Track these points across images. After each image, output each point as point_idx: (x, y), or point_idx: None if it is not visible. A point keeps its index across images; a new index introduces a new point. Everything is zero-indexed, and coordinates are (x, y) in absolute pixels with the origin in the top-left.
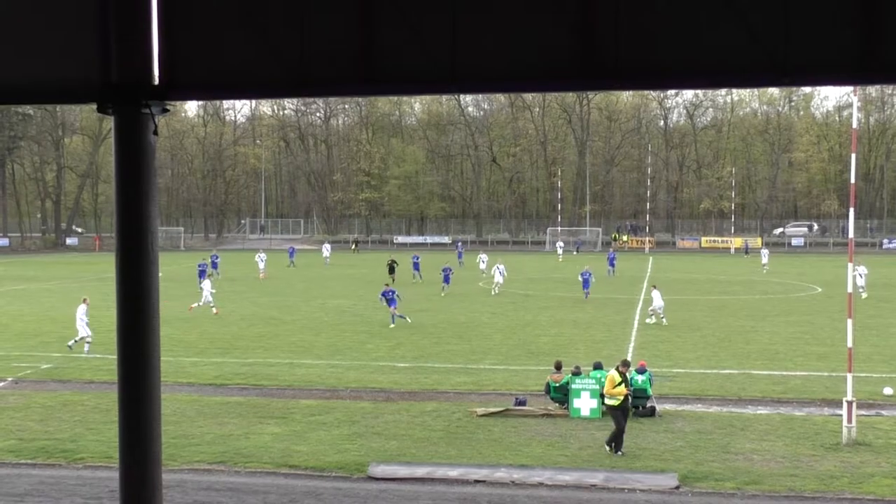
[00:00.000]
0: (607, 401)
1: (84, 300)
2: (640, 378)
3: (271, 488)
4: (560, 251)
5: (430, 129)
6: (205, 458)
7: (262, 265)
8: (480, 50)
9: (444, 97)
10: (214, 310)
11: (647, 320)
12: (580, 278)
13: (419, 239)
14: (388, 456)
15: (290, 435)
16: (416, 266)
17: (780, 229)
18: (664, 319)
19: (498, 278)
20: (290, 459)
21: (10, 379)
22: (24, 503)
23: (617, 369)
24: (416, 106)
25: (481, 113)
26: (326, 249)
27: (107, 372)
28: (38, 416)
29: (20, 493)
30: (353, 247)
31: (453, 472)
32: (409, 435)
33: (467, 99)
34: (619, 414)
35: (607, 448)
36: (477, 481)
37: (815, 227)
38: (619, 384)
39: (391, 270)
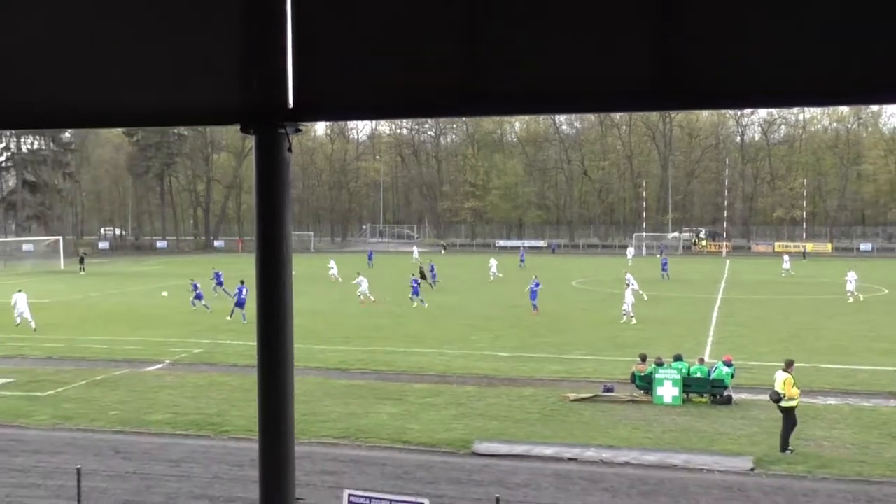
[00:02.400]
0: (787, 402)
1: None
2: (725, 370)
3: (388, 461)
4: (630, 256)
5: (528, 145)
6: (331, 434)
7: (333, 272)
8: (571, 72)
9: (541, 117)
10: (372, 298)
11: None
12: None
13: (517, 243)
14: (490, 435)
15: (404, 414)
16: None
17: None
18: (633, 319)
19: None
20: (404, 436)
21: (167, 361)
22: (179, 468)
23: (785, 370)
24: (517, 125)
25: (574, 130)
26: (416, 252)
27: (248, 357)
28: (190, 393)
29: (176, 460)
30: (442, 251)
31: (548, 451)
32: (509, 416)
33: (561, 118)
34: (794, 414)
35: (787, 452)
36: (569, 459)
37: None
38: (794, 385)
39: (423, 276)
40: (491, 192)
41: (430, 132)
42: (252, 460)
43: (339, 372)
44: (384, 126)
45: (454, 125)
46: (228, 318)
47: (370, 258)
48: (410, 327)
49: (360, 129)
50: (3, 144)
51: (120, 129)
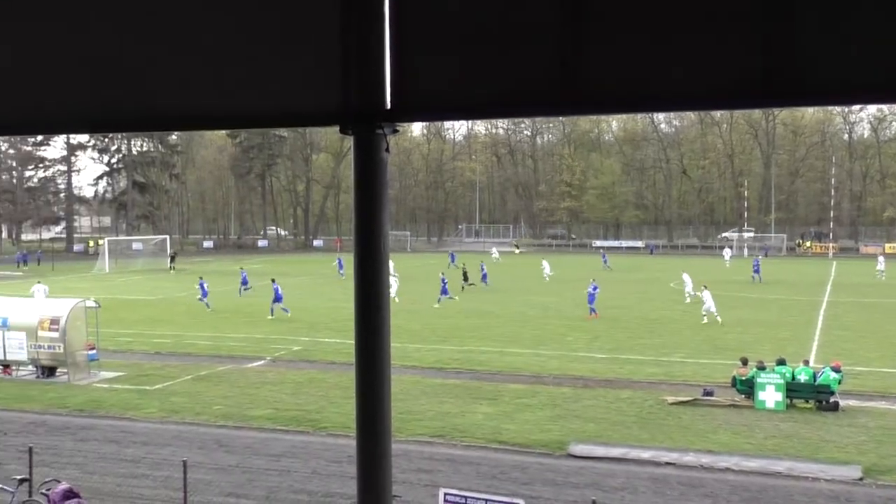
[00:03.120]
0: None
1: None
2: (832, 375)
3: (483, 460)
4: (728, 257)
5: (625, 144)
6: (426, 432)
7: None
8: (671, 71)
9: (639, 116)
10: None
11: (703, 321)
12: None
13: (615, 243)
14: (586, 436)
15: (499, 415)
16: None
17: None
18: (718, 318)
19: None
20: (500, 436)
21: (268, 358)
22: (279, 463)
23: None
24: (614, 124)
25: (672, 129)
26: (495, 252)
27: (345, 355)
28: (290, 390)
29: (276, 454)
30: (516, 250)
31: (645, 454)
32: (606, 418)
33: (660, 117)
34: None
35: None
36: (667, 463)
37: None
38: None
39: (465, 276)
40: (587, 192)
41: (526, 132)
42: (349, 457)
43: (435, 371)
44: (480, 126)
45: (550, 125)
46: (271, 316)
47: (452, 259)
48: (506, 327)
49: (457, 129)
50: (116, 147)
51: (224, 131)
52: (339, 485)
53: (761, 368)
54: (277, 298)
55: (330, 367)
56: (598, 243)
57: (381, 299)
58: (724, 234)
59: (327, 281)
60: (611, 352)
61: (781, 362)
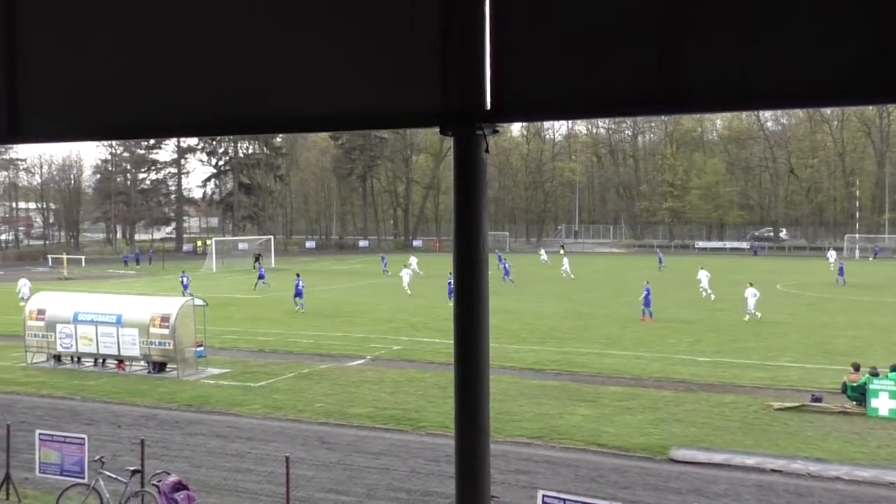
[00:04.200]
0: None
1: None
2: None
3: (582, 463)
4: (832, 259)
5: (730, 142)
6: (524, 433)
7: (406, 279)
8: (777, 67)
9: (744, 114)
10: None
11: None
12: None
13: (718, 244)
14: (688, 441)
15: (599, 417)
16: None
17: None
18: (757, 314)
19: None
20: (599, 439)
21: (368, 357)
22: (379, 460)
23: None
24: (718, 122)
25: (780, 127)
26: (543, 254)
27: (444, 354)
28: (389, 388)
29: (375, 452)
30: (561, 250)
31: (750, 461)
32: (709, 423)
33: (766, 115)
34: None
35: None
36: (773, 470)
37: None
38: None
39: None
40: (690, 192)
41: (627, 131)
42: (447, 456)
43: (534, 372)
44: (580, 126)
45: (652, 124)
46: (299, 308)
47: (500, 259)
48: (605, 329)
49: (556, 129)
50: (223, 150)
51: (327, 133)
52: (437, 484)
53: (874, 374)
54: (298, 293)
55: (429, 366)
56: (700, 244)
57: (481, 300)
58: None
59: (424, 280)
60: (713, 355)
61: None
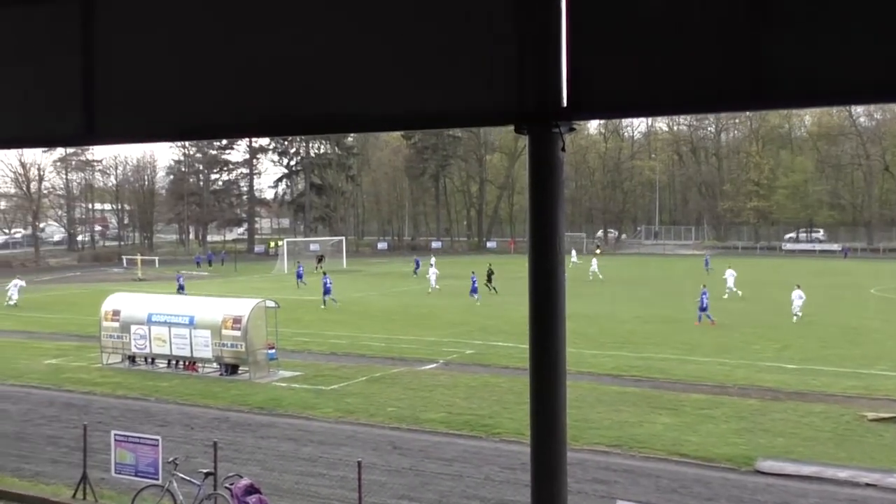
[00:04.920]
0: None
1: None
2: None
3: (663, 473)
4: None
5: (819, 139)
6: (602, 441)
7: (433, 279)
8: (870, 61)
9: (835, 109)
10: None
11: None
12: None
13: (807, 246)
14: (775, 452)
15: (680, 425)
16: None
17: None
18: (798, 314)
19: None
20: (681, 448)
21: (441, 361)
22: (452, 467)
23: None
24: (807, 118)
25: (874, 123)
26: (574, 256)
27: (519, 359)
28: (463, 393)
29: (449, 458)
30: (597, 250)
31: (842, 474)
32: (797, 434)
33: (859, 109)
34: None
35: None
36: (867, 485)
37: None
38: None
39: (488, 278)
40: (777, 192)
41: (710, 128)
42: (523, 464)
43: (612, 378)
44: (661, 123)
45: (736, 120)
46: (322, 306)
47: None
48: (687, 334)
49: (636, 126)
50: (294, 150)
51: (398, 133)
52: (512, 492)
53: None
54: (326, 291)
55: (504, 371)
56: (788, 246)
57: (557, 303)
58: None
59: (499, 282)
60: (802, 362)
61: None
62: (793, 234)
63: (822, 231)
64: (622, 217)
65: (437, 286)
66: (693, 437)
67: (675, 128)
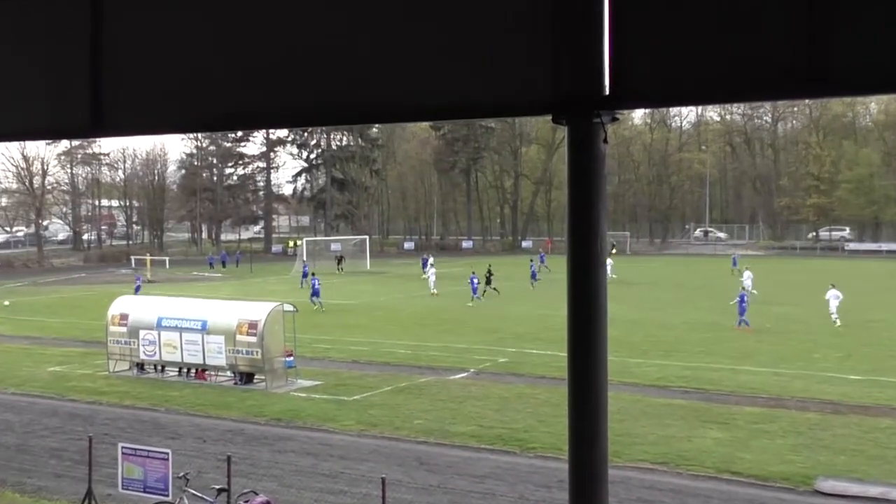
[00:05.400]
0: None
1: None
2: None
3: (713, 493)
4: None
5: (886, 129)
6: (647, 458)
7: (432, 281)
8: None
9: None
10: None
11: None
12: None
13: (872, 246)
14: (836, 471)
15: (732, 441)
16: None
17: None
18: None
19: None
20: (733, 466)
21: (471, 370)
22: (483, 484)
23: None
24: (872, 106)
25: None
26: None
27: (556, 368)
28: (495, 405)
29: (480, 475)
30: (613, 250)
31: None
32: (861, 451)
33: None
34: None
35: None
36: None
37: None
38: None
39: (488, 281)
40: (839, 187)
41: (765, 117)
42: (560, 481)
43: (658, 389)
44: (712, 112)
45: (794, 108)
46: (317, 307)
47: (543, 259)
48: (739, 342)
49: (684, 115)
50: (315, 142)
51: (427, 123)
52: None
53: None
54: (315, 293)
55: (539, 381)
56: (852, 246)
57: (598, 308)
58: None
59: (536, 285)
60: (867, 373)
61: None
62: (845, 233)
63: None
64: (669, 215)
65: (436, 290)
66: (746, 453)
67: (728, 117)
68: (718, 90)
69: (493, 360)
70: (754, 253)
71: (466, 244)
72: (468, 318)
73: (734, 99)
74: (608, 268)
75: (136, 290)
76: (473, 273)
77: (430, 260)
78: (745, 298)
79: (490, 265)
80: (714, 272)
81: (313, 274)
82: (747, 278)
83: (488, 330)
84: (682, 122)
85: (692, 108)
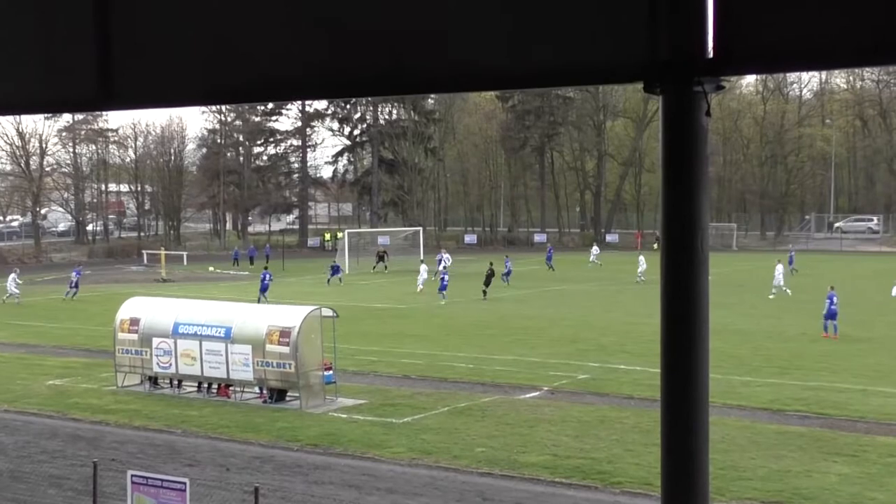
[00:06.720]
0: None
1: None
2: None
3: None
4: None
5: None
6: (757, 496)
7: (422, 277)
8: None
9: None
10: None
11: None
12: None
13: None
14: None
15: (862, 477)
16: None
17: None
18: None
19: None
20: None
21: (545, 388)
22: None
23: None
24: None
25: None
26: (596, 252)
27: (648, 387)
28: (573, 430)
29: None
30: (655, 245)
31: None
32: None
33: None
34: None
35: None
36: None
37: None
38: None
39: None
40: None
41: None
42: None
43: (770, 413)
44: (839, 78)
45: None
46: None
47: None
48: (872, 357)
49: (805, 83)
50: (359, 115)
51: (492, 94)
52: None
53: None
54: (263, 288)
55: (627, 402)
56: None
57: (698, 316)
58: None
59: (623, 288)
60: None
61: None
62: None
63: None
64: (785, 203)
65: (423, 287)
66: (879, 493)
67: (858, 84)
68: (847, 51)
69: (572, 377)
70: (891, 249)
71: (539, 237)
72: (545, 325)
73: (866, 62)
74: (592, 256)
75: (72, 286)
76: (491, 264)
77: (446, 256)
78: (835, 300)
79: (491, 263)
80: (844, 271)
81: (265, 268)
82: (778, 273)
83: (567, 340)
84: (801, 91)
85: (814, 73)
